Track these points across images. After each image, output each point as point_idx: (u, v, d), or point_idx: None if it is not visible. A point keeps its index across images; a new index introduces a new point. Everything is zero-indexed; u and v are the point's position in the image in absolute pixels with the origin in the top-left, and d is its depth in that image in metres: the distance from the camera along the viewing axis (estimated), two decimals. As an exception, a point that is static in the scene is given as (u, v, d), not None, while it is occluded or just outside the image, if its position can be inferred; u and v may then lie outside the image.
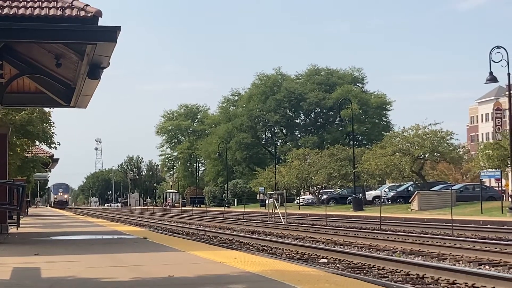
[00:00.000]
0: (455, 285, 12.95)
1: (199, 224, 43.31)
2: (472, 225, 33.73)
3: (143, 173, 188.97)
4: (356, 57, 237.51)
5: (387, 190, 73.03)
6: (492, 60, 43.45)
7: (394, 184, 73.35)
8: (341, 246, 22.94)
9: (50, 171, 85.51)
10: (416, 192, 60.30)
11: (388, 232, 29.68)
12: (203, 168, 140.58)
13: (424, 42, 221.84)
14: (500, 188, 59.58)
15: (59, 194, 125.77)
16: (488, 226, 33.46)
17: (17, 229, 25.67)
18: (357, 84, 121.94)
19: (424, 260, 17.39)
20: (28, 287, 9.22)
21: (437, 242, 23.02)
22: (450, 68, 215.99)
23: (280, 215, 48.67)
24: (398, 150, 68.42)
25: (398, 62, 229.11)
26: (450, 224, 31.63)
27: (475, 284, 12.83)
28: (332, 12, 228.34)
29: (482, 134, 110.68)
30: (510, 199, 44.26)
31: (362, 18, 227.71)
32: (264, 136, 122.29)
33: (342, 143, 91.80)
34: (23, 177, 55.07)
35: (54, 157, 65.95)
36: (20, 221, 28.30)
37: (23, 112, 38.51)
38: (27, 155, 52.71)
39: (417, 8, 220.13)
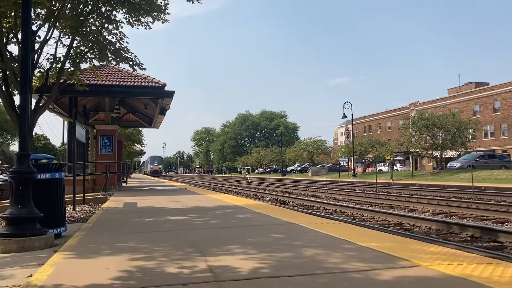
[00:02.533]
0: (328, 210, 13.04)
1: (210, 182, 43.13)
2: (335, 182, 34.03)
3: (185, 158, 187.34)
4: (286, 104, 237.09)
5: (296, 166, 73.22)
6: (344, 107, 44.78)
7: (300, 164, 73.57)
8: (275, 192, 22.99)
9: (141, 157, 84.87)
10: (310, 167, 60.81)
11: (297, 185, 29.77)
12: (212, 156, 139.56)
13: (317, 100, 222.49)
14: (347, 166, 60.44)
15: (155, 164, 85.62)
16: (342, 182, 33.79)
17: (126, 184, 25.35)
18: (284, 118, 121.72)
19: (313, 198, 17.52)
20: (132, 210, 9.14)
21: (319, 190, 23.15)
22: (328, 111, 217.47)
23: (248, 178, 48.72)
24: (302, 148, 68.95)
25: (306, 107, 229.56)
26: (325, 182, 31.92)
27: (336, 209, 12.92)
28: (280, 82, 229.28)
29: (340, 141, 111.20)
30: (352, 171, 44.90)
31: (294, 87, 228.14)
32: (240, 142, 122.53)
33: (276, 145, 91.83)
34: (129, 160, 54.64)
35: (143, 151, 65.71)
36: (128, 180, 27.98)
37: (129, 129, 38.18)
38: (130, 150, 52.23)
39: (312, 83, 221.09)
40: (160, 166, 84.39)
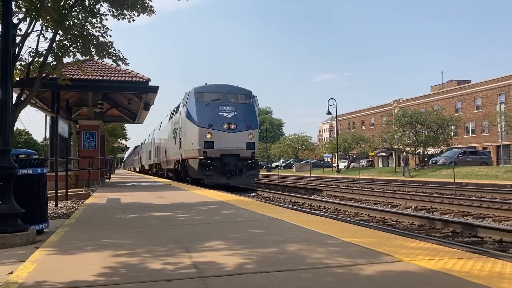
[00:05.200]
0: (311, 205, 13.09)
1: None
2: (319, 178, 34.21)
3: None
4: (271, 100, 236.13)
5: (281, 162, 73.34)
6: (329, 104, 44.71)
7: (285, 159, 73.71)
8: (260, 187, 23.00)
9: (125, 153, 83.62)
10: (294, 163, 60.96)
11: (282, 180, 29.81)
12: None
13: (304, 96, 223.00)
14: (331, 162, 60.84)
15: (231, 123, 15.66)
16: (326, 178, 34.00)
17: (109, 180, 25.07)
18: (269, 114, 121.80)
19: (298, 195, 17.56)
20: (115, 207, 9.04)
21: (303, 185, 23.24)
22: (313, 107, 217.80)
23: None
24: (287, 144, 69.17)
25: (291, 103, 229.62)
26: (310, 178, 32.08)
27: (320, 205, 12.98)
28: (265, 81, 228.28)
29: (324, 137, 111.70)
30: (336, 167, 45.27)
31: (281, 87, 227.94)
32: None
33: (262, 141, 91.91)
34: (112, 155, 54.07)
35: (127, 146, 65.22)
36: (111, 176, 27.68)
37: (112, 124, 37.78)
38: (114, 145, 51.73)
39: (297, 80, 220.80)
40: (251, 134, 18.52)
